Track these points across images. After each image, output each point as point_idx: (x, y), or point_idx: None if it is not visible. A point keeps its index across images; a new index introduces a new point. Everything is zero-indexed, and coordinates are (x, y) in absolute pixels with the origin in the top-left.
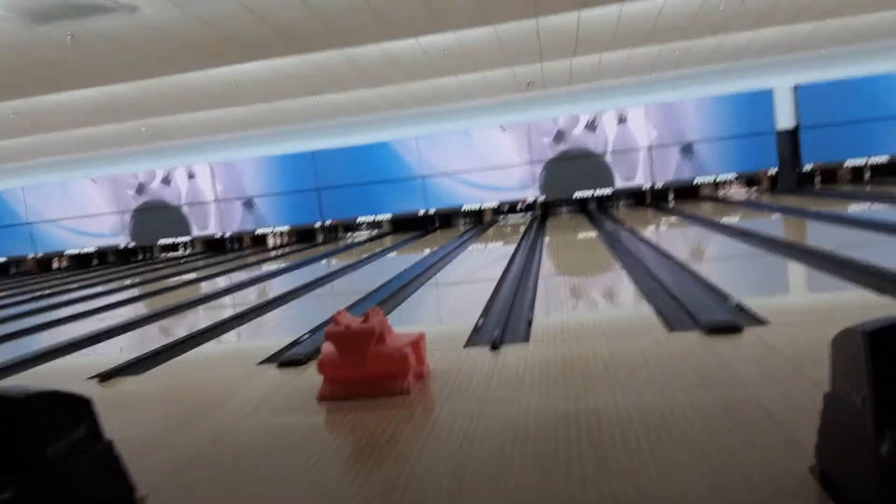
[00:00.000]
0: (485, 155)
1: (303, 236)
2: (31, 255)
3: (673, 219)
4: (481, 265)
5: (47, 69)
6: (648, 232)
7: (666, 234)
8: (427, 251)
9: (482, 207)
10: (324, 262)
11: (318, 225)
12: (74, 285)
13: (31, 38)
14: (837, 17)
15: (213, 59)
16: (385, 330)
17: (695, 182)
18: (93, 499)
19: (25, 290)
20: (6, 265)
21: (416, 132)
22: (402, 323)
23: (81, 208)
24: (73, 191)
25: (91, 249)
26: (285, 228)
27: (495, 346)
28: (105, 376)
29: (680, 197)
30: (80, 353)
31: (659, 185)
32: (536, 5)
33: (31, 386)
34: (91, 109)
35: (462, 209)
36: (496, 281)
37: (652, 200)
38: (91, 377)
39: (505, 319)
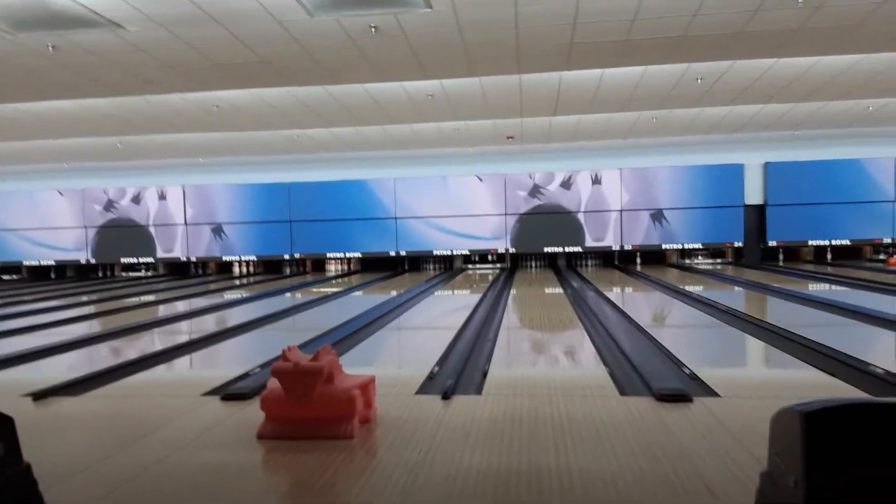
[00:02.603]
0: (460, 202)
1: (271, 268)
2: None
3: (638, 282)
4: (445, 312)
5: (26, 76)
6: (613, 293)
7: (630, 297)
8: (393, 293)
9: (453, 254)
10: (288, 295)
11: (287, 257)
12: (27, 297)
13: (11, 45)
14: (811, 101)
15: (195, 83)
16: (335, 370)
17: (662, 248)
18: None
19: None
20: None
21: (394, 174)
22: (356, 364)
23: (45, 220)
24: (38, 201)
25: (50, 262)
26: (253, 258)
27: (446, 396)
28: (40, 395)
29: (647, 261)
30: (20, 369)
31: (628, 247)
32: (519, 63)
33: None
34: (68, 121)
35: (433, 254)
36: (457, 329)
37: (620, 262)
38: (25, 394)
39: (460, 369)
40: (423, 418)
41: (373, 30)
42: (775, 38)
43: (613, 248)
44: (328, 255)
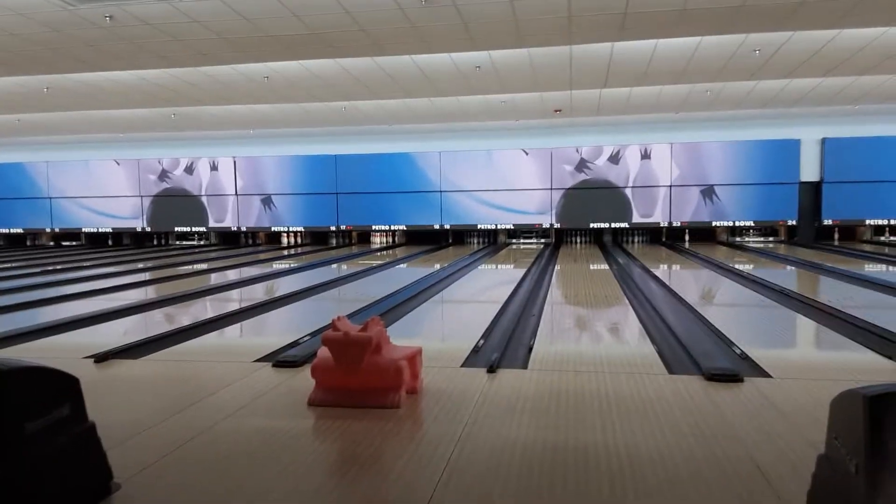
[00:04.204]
0: (505, 176)
1: (317, 238)
2: (48, 230)
3: (687, 259)
4: (489, 286)
5: (84, 48)
6: (660, 270)
7: (678, 274)
8: (437, 266)
9: (497, 228)
10: (334, 266)
11: (333, 229)
12: (86, 263)
13: (69, 17)
14: (873, 75)
15: (246, 54)
16: (383, 341)
17: (712, 225)
18: (68, 480)
19: (38, 263)
20: (23, 237)
21: (440, 147)
22: (402, 336)
23: (102, 189)
24: (95, 171)
25: (107, 230)
26: (300, 229)
27: (492, 370)
28: (100, 357)
29: (696, 238)
30: (80, 332)
31: (676, 223)
32: (571, 33)
33: (18, 360)
34: (124, 92)
35: (477, 228)
36: (502, 303)
37: (667, 239)
38: (86, 357)
39: (505, 343)
40: (469, 391)
41: (423, 0)
42: (839, 6)
43: (661, 225)
44: (373, 227)
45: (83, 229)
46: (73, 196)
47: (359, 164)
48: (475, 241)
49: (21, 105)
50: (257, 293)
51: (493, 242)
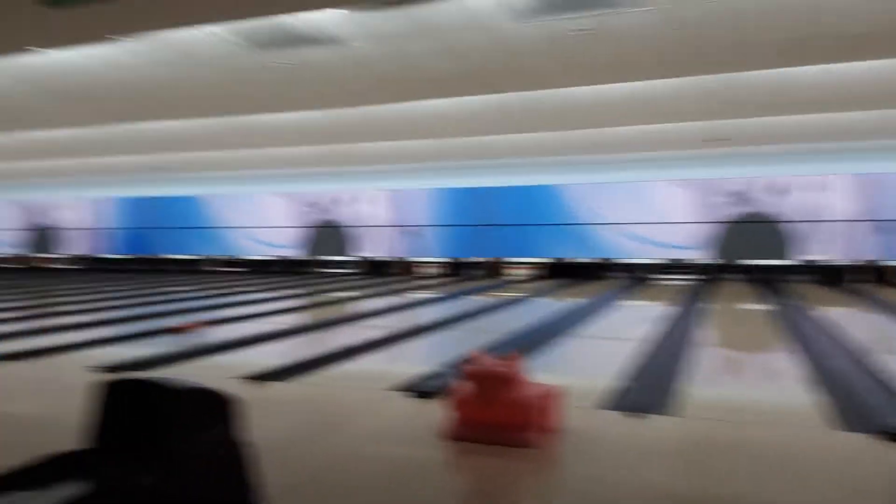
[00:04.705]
0: (654, 209)
1: (460, 269)
2: (217, 257)
3: (859, 302)
4: (633, 323)
5: (257, 90)
6: (826, 313)
7: (848, 317)
8: (579, 300)
9: (644, 262)
10: (475, 297)
11: (476, 260)
12: (250, 288)
13: (250, 63)
14: None
15: (403, 94)
16: (521, 377)
17: (887, 265)
18: (224, 497)
19: (208, 287)
20: (196, 262)
21: (585, 178)
22: (541, 372)
23: (266, 219)
24: (260, 203)
25: (269, 258)
26: (444, 260)
27: (633, 413)
28: (253, 378)
29: (867, 279)
30: (238, 353)
31: (846, 262)
32: (739, 61)
33: (184, 379)
34: (289, 131)
35: (622, 261)
36: (646, 343)
37: (836, 279)
38: (241, 377)
39: (648, 386)
40: (609, 433)
41: (579, 33)
42: None
43: (830, 263)
44: (516, 259)
45: (247, 257)
46: (239, 226)
47: (502, 195)
48: (620, 276)
49: (201, 144)
50: (399, 322)
51: (640, 277)
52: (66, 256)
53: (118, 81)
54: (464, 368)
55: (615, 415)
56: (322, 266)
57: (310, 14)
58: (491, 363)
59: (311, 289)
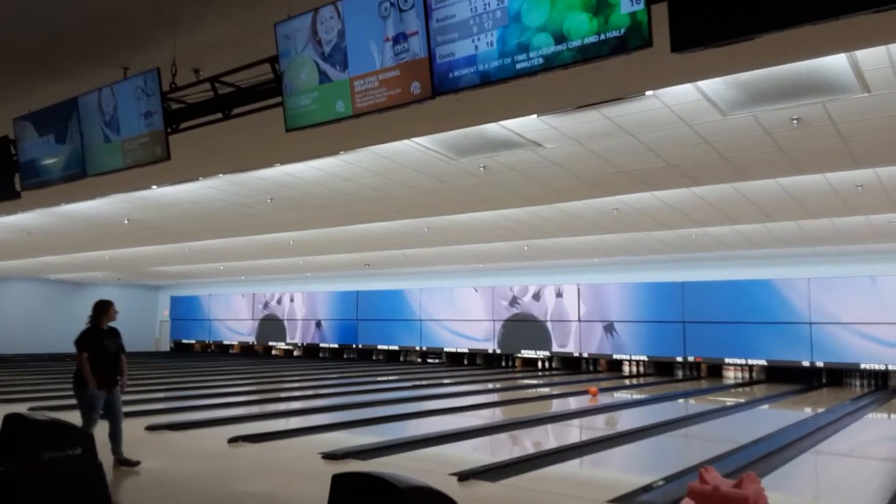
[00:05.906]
0: (893, 305)
1: (662, 369)
2: (417, 347)
3: None
4: (882, 439)
5: (458, 194)
6: None
7: None
8: (809, 410)
9: (888, 368)
10: (681, 401)
11: (679, 359)
12: (447, 380)
13: (451, 168)
14: None
15: (600, 189)
16: (761, 502)
17: None
18: None
19: (412, 376)
20: (398, 353)
21: (808, 272)
22: (775, 492)
23: (462, 313)
24: (458, 296)
25: (464, 350)
26: (643, 358)
27: None
28: (463, 476)
29: None
30: (446, 447)
31: None
32: None
33: (408, 477)
34: (486, 228)
35: (860, 367)
36: None
37: None
38: (451, 473)
39: None
40: None
41: (794, 122)
42: None
43: None
44: (726, 360)
45: (445, 348)
46: (438, 318)
47: (709, 290)
48: (858, 384)
49: (405, 242)
50: (600, 423)
51: (884, 386)
52: (286, 346)
53: (339, 189)
54: (692, 487)
55: None
56: (516, 361)
57: (507, 121)
58: (722, 483)
59: (507, 383)
